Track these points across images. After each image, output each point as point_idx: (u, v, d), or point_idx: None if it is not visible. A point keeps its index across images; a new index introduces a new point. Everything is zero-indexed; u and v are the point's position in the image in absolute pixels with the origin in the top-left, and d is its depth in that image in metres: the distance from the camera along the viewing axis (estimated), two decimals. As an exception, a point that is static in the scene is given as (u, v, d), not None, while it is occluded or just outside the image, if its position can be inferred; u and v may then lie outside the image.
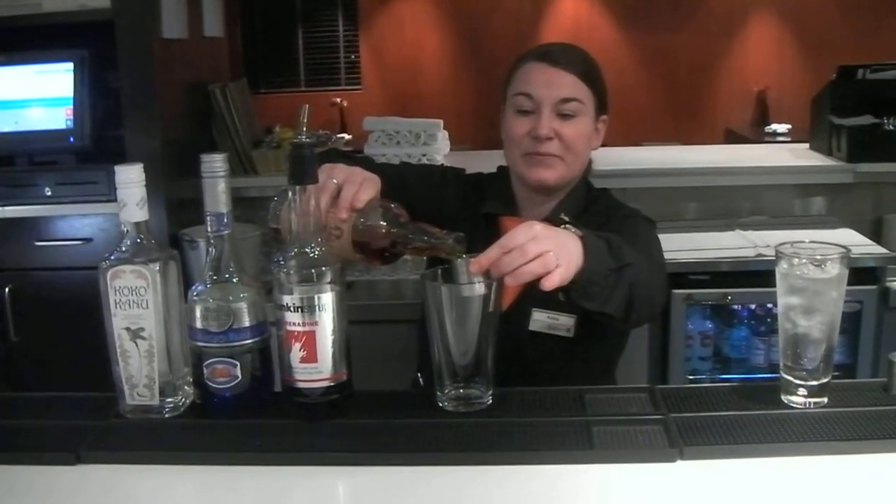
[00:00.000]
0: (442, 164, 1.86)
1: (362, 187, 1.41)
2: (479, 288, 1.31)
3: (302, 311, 1.27)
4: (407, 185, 1.77)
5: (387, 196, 1.45)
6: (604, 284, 1.38)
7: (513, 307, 1.63)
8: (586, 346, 1.74)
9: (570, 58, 1.75)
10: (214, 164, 1.29)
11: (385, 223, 1.38)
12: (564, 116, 1.72)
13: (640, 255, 1.50)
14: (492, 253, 1.26)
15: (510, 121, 1.76)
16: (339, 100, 6.97)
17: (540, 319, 1.70)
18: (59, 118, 3.06)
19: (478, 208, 1.83)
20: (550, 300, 1.67)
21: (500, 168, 1.90)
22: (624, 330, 1.84)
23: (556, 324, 1.71)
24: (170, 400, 1.36)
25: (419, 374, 1.88)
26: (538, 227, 1.28)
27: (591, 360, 1.79)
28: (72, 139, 3.05)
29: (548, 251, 1.25)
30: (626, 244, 1.45)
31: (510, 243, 1.25)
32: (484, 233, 1.63)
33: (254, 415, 1.34)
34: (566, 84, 1.72)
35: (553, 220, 1.70)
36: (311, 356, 1.29)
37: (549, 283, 1.25)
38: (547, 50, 1.77)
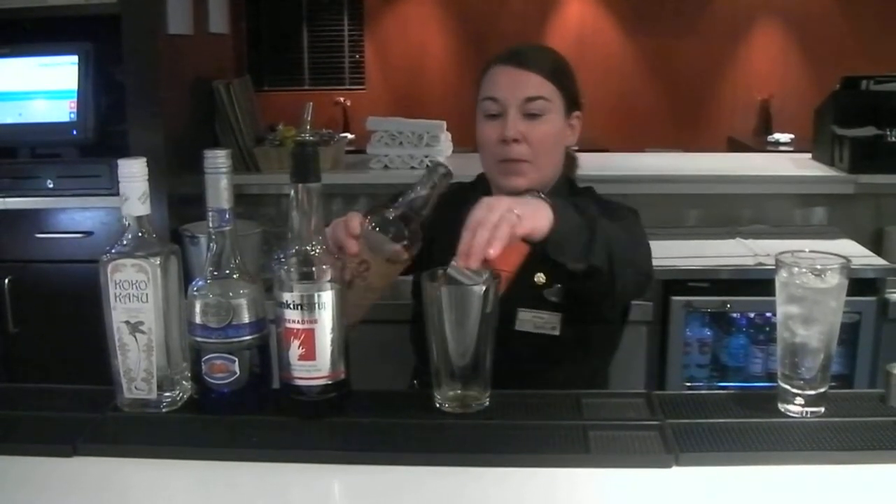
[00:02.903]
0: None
1: (347, 219, 1.45)
2: (478, 289, 1.31)
3: (301, 309, 1.28)
4: None
5: None
6: (578, 238, 1.42)
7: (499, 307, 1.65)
8: (574, 345, 1.74)
9: (535, 58, 1.76)
10: (217, 160, 1.29)
11: (387, 227, 1.44)
12: (531, 116, 1.73)
13: (613, 223, 1.54)
14: (464, 240, 1.31)
15: (480, 126, 1.78)
16: (342, 99, 6.97)
17: (526, 319, 1.71)
18: (62, 111, 3.06)
19: (458, 216, 1.82)
20: (536, 300, 1.69)
21: (480, 175, 1.91)
22: (613, 319, 1.84)
23: (542, 322, 1.71)
24: (167, 394, 1.36)
25: (414, 381, 1.88)
26: (492, 199, 1.35)
27: (581, 361, 1.79)
28: (75, 132, 3.05)
29: (507, 210, 1.32)
30: (600, 214, 1.50)
31: (473, 223, 1.32)
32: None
33: (251, 411, 1.34)
34: (531, 83, 1.73)
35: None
36: (309, 354, 1.29)
37: (522, 230, 1.32)
38: (513, 52, 1.77)
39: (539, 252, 1.41)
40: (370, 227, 1.45)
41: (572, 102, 1.80)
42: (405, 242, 1.45)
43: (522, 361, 1.68)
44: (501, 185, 1.77)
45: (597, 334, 1.81)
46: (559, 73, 1.77)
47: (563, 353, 1.73)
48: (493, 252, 1.29)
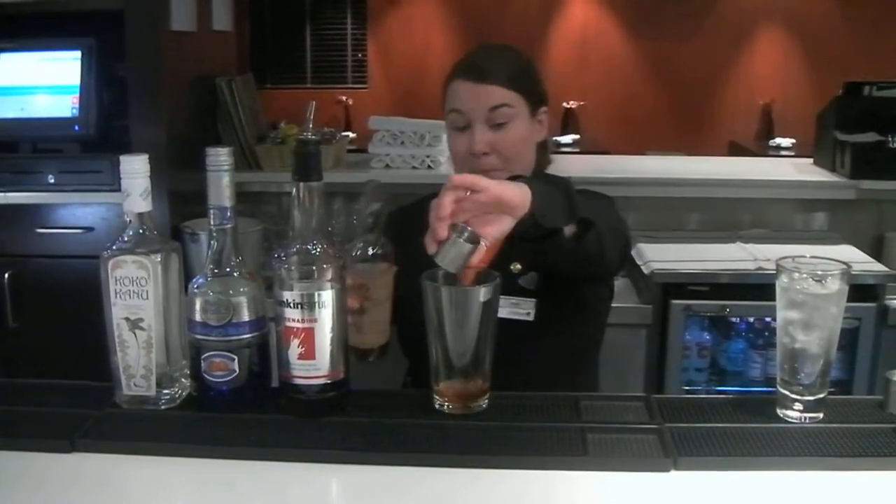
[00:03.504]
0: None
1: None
2: (479, 289, 1.31)
3: (301, 308, 1.28)
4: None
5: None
6: (558, 201, 1.42)
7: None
8: (551, 331, 1.75)
9: (493, 67, 1.76)
10: (220, 158, 1.29)
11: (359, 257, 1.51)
12: (497, 126, 1.74)
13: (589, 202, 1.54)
14: (435, 228, 1.28)
15: (449, 138, 1.80)
16: (344, 98, 6.96)
17: (502, 306, 1.71)
18: (64, 106, 3.06)
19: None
20: (512, 287, 1.70)
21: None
22: (595, 300, 1.84)
23: (517, 308, 1.73)
24: (166, 391, 1.36)
25: (409, 378, 1.89)
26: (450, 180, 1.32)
27: (560, 350, 1.79)
28: (77, 128, 3.05)
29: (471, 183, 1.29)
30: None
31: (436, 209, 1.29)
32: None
33: (250, 410, 1.34)
34: (492, 94, 1.73)
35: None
36: (309, 353, 1.29)
37: (487, 197, 1.27)
38: (470, 64, 1.78)
39: (523, 232, 1.38)
40: (350, 264, 1.48)
41: (537, 100, 1.81)
42: (378, 250, 1.51)
43: (499, 349, 1.69)
44: None
45: (574, 320, 1.81)
46: (519, 76, 1.78)
47: (539, 339, 1.73)
48: (464, 217, 1.27)
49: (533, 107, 1.79)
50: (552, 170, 1.94)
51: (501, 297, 1.68)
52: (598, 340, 1.92)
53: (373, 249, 1.51)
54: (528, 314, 1.74)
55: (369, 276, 1.50)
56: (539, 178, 1.54)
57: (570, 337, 1.82)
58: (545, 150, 1.94)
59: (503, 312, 1.71)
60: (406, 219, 1.92)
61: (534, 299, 1.74)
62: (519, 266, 1.75)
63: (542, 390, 1.49)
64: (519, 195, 1.32)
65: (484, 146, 1.73)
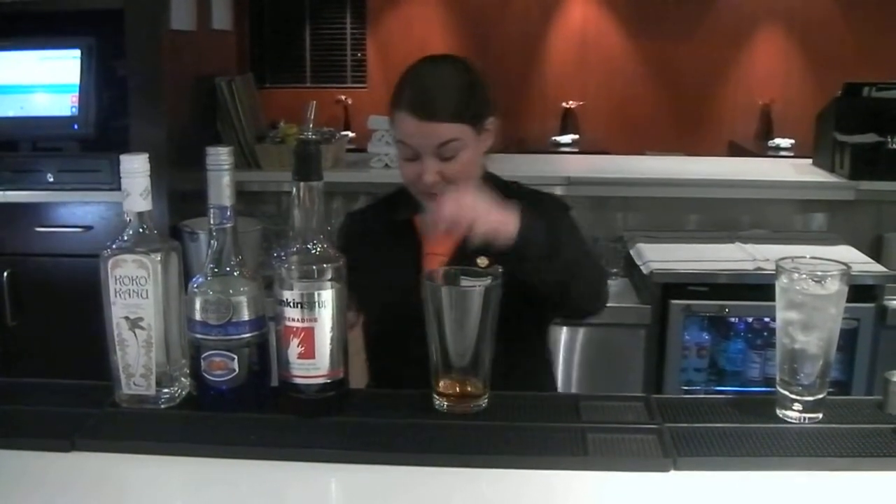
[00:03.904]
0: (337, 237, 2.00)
1: None
2: (478, 289, 1.32)
3: (301, 308, 1.28)
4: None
5: None
6: (539, 242, 1.58)
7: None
8: (508, 317, 1.74)
9: (440, 102, 1.74)
10: (220, 157, 1.29)
11: None
12: (446, 158, 1.75)
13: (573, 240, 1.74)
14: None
15: (400, 161, 1.81)
16: (344, 97, 6.96)
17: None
18: (64, 105, 3.06)
19: (391, 220, 1.88)
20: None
21: (398, 191, 1.94)
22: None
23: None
24: (166, 391, 1.36)
25: (371, 383, 1.89)
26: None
27: (518, 334, 1.77)
28: (76, 126, 3.05)
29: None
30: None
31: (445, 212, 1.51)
32: (400, 239, 1.83)
33: (249, 409, 1.34)
34: (440, 131, 1.73)
35: None
36: (309, 352, 1.29)
37: (483, 227, 1.53)
38: (417, 100, 1.76)
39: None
40: None
41: (483, 118, 1.80)
42: None
43: None
44: (429, 208, 1.80)
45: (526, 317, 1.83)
46: (464, 107, 1.76)
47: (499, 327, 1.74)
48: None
49: (480, 125, 1.79)
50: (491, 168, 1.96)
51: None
52: (547, 329, 1.95)
53: None
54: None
55: None
56: (526, 204, 1.63)
57: (522, 325, 1.81)
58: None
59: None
60: (361, 224, 1.95)
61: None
62: (486, 261, 1.74)
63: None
64: (506, 232, 1.54)
65: (434, 177, 1.74)
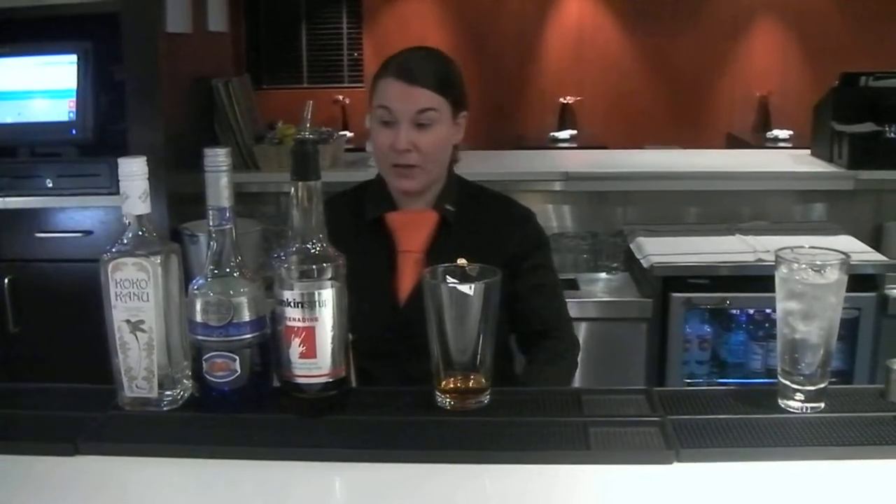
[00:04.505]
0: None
1: None
2: (479, 286, 1.32)
3: (302, 307, 1.28)
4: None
5: None
6: None
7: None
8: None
9: (424, 71, 1.86)
10: (218, 159, 1.29)
11: None
12: (421, 126, 1.84)
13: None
14: None
15: (375, 132, 1.89)
16: (341, 97, 6.97)
17: None
18: (61, 110, 3.06)
19: (360, 218, 1.94)
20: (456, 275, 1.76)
21: (370, 181, 2.02)
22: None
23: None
24: (168, 393, 1.36)
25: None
26: None
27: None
28: (74, 131, 3.05)
29: None
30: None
31: None
32: (371, 237, 1.89)
33: (252, 409, 1.34)
34: (421, 98, 1.84)
35: (438, 209, 1.91)
36: (310, 352, 1.29)
37: None
38: (403, 66, 1.86)
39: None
40: None
41: (459, 105, 1.91)
42: None
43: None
44: (395, 187, 1.91)
45: (511, 316, 1.91)
46: (446, 83, 1.88)
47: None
48: None
49: (455, 111, 1.90)
50: (460, 168, 2.03)
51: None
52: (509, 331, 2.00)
53: None
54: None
55: None
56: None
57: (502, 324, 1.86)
58: (456, 149, 2.01)
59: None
60: (342, 207, 1.97)
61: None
62: (465, 261, 1.78)
63: None
64: None
65: (407, 144, 1.83)
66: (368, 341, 1.74)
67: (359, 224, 1.92)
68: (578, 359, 1.95)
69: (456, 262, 1.75)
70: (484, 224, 1.92)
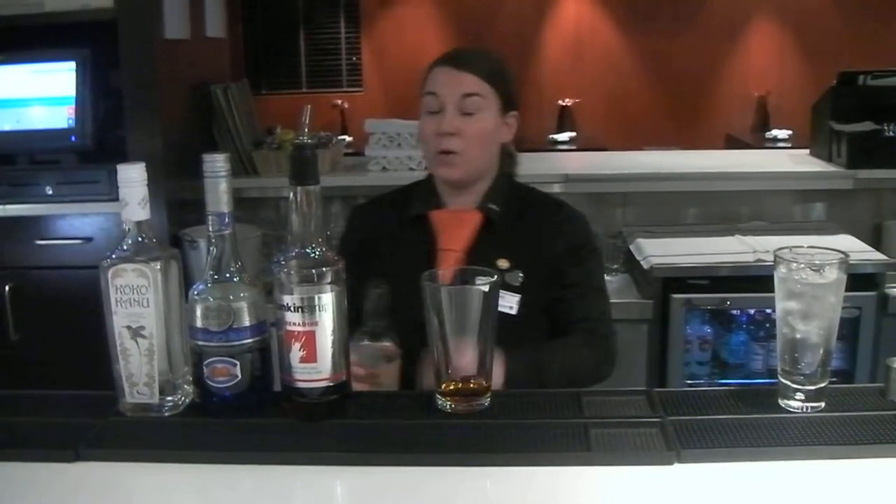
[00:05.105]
0: (344, 231, 2.07)
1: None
2: (479, 289, 1.32)
3: (302, 312, 1.28)
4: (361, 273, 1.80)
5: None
6: (531, 375, 1.71)
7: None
8: (530, 325, 1.84)
9: (474, 60, 1.88)
10: (216, 164, 1.30)
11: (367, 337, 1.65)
12: (467, 114, 1.84)
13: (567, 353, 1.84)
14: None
15: (421, 121, 1.90)
16: (340, 101, 6.97)
17: None
18: (60, 117, 3.06)
19: (406, 215, 1.94)
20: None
21: (418, 182, 2.04)
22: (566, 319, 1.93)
23: (501, 301, 1.75)
24: (169, 398, 1.36)
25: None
26: None
27: (538, 341, 1.86)
28: (73, 138, 3.05)
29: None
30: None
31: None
32: (414, 233, 1.89)
33: (253, 414, 1.34)
34: (467, 82, 1.85)
35: (482, 208, 1.89)
36: (310, 356, 1.29)
37: None
38: (453, 54, 1.91)
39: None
40: (357, 345, 1.60)
41: (508, 103, 1.91)
42: (387, 342, 1.65)
43: None
44: (437, 175, 1.92)
45: (552, 322, 1.91)
46: (495, 74, 1.89)
47: (520, 333, 1.77)
48: None
49: (503, 106, 1.90)
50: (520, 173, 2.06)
51: None
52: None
53: (379, 337, 1.65)
54: (511, 308, 1.81)
55: (376, 364, 1.63)
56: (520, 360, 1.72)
57: (543, 332, 1.90)
58: (511, 156, 2.04)
59: None
60: (371, 216, 1.98)
61: (518, 295, 1.82)
62: (506, 263, 1.83)
63: None
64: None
65: (451, 128, 1.83)
66: (406, 335, 1.74)
67: (403, 221, 1.93)
68: (607, 369, 1.91)
69: (495, 262, 1.79)
70: (530, 226, 1.90)
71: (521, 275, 1.83)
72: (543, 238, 1.89)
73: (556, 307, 1.89)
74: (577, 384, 1.73)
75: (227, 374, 1.32)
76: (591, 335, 1.89)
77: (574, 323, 1.89)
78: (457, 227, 1.88)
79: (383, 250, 1.91)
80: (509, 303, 1.81)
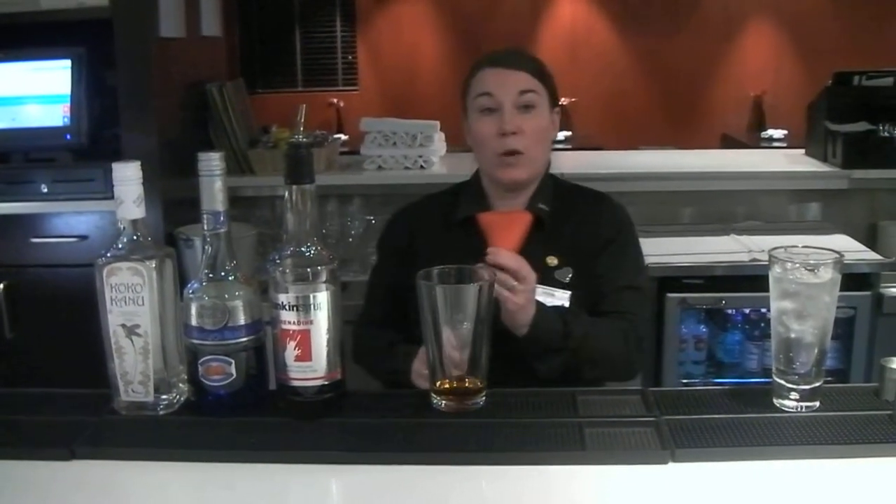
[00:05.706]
0: (380, 236, 2.06)
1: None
2: (473, 287, 1.32)
3: (297, 310, 1.28)
4: (400, 285, 1.79)
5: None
6: (555, 335, 1.68)
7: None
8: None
9: (519, 59, 1.89)
10: (212, 163, 1.30)
11: None
12: (525, 109, 1.84)
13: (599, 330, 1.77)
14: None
15: (476, 122, 1.87)
16: (336, 100, 6.96)
17: (538, 293, 1.73)
18: (56, 115, 3.06)
19: (453, 217, 1.91)
20: (548, 279, 1.79)
21: (465, 182, 2.00)
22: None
23: (552, 297, 1.78)
24: (164, 397, 1.36)
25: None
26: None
27: None
28: (68, 136, 3.05)
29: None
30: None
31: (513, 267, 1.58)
32: (463, 236, 1.82)
33: (248, 413, 1.34)
34: (521, 79, 1.85)
35: (532, 209, 1.85)
36: (305, 355, 1.29)
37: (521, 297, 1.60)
38: (498, 55, 1.90)
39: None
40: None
41: (554, 99, 1.92)
42: None
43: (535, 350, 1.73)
44: (501, 179, 1.87)
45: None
46: (542, 71, 1.89)
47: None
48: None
49: (551, 103, 1.90)
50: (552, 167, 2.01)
51: (538, 285, 1.71)
52: None
53: None
54: (564, 302, 1.80)
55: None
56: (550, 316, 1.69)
57: None
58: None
59: (541, 298, 1.75)
60: (417, 219, 1.98)
61: (569, 291, 1.81)
62: (555, 261, 1.83)
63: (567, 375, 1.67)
64: (521, 318, 1.62)
65: (513, 126, 1.81)
66: None
67: (450, 223, 1.91)
68: (632, 360, 1.83)
69: (545, 261, 1.78)
70: (577, 222, 1.89)
71: (570, 271, 1.82)
72: (589, 229, 1.88)
73: (597, 299, 1.85)
74: (601, 367, 1.73)
75: (222, 372, 1.32)
76: (627, 331, 1.82)
77: (611, 314, 1.84)
78: (506, 229, 1.79)
79: (429, 254, 1.79)
80: (561, 299, 1.79)
